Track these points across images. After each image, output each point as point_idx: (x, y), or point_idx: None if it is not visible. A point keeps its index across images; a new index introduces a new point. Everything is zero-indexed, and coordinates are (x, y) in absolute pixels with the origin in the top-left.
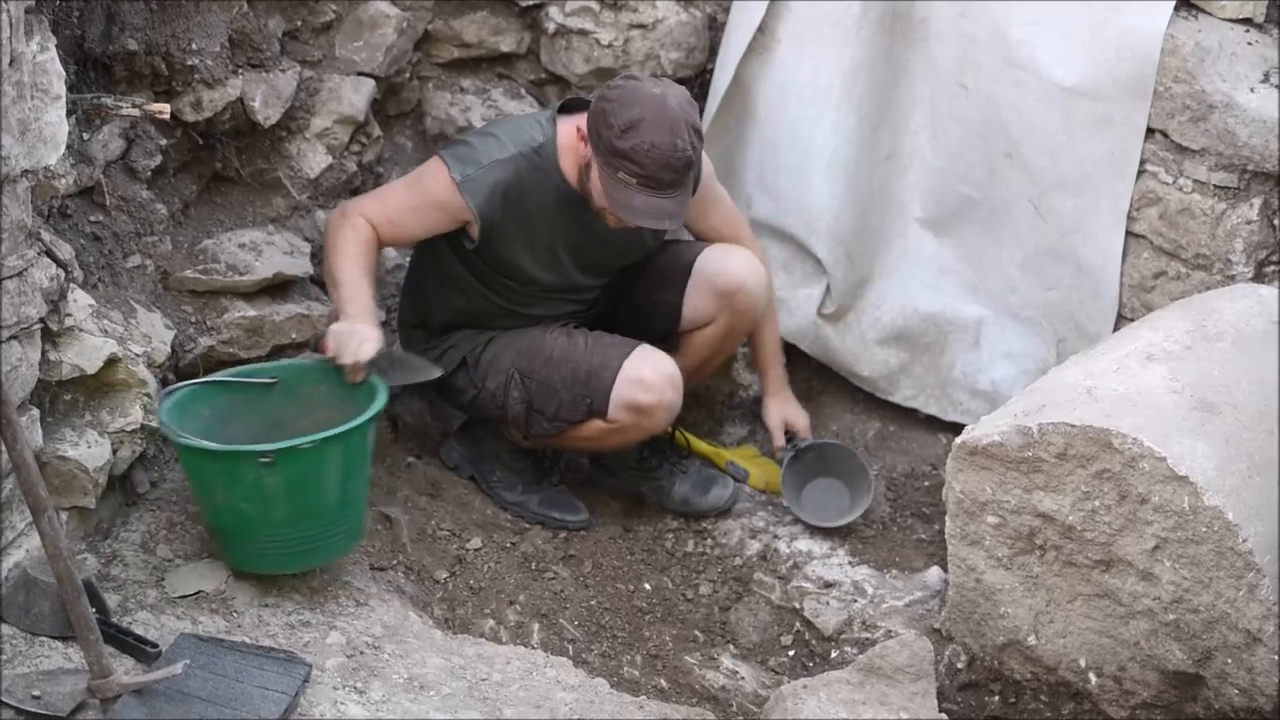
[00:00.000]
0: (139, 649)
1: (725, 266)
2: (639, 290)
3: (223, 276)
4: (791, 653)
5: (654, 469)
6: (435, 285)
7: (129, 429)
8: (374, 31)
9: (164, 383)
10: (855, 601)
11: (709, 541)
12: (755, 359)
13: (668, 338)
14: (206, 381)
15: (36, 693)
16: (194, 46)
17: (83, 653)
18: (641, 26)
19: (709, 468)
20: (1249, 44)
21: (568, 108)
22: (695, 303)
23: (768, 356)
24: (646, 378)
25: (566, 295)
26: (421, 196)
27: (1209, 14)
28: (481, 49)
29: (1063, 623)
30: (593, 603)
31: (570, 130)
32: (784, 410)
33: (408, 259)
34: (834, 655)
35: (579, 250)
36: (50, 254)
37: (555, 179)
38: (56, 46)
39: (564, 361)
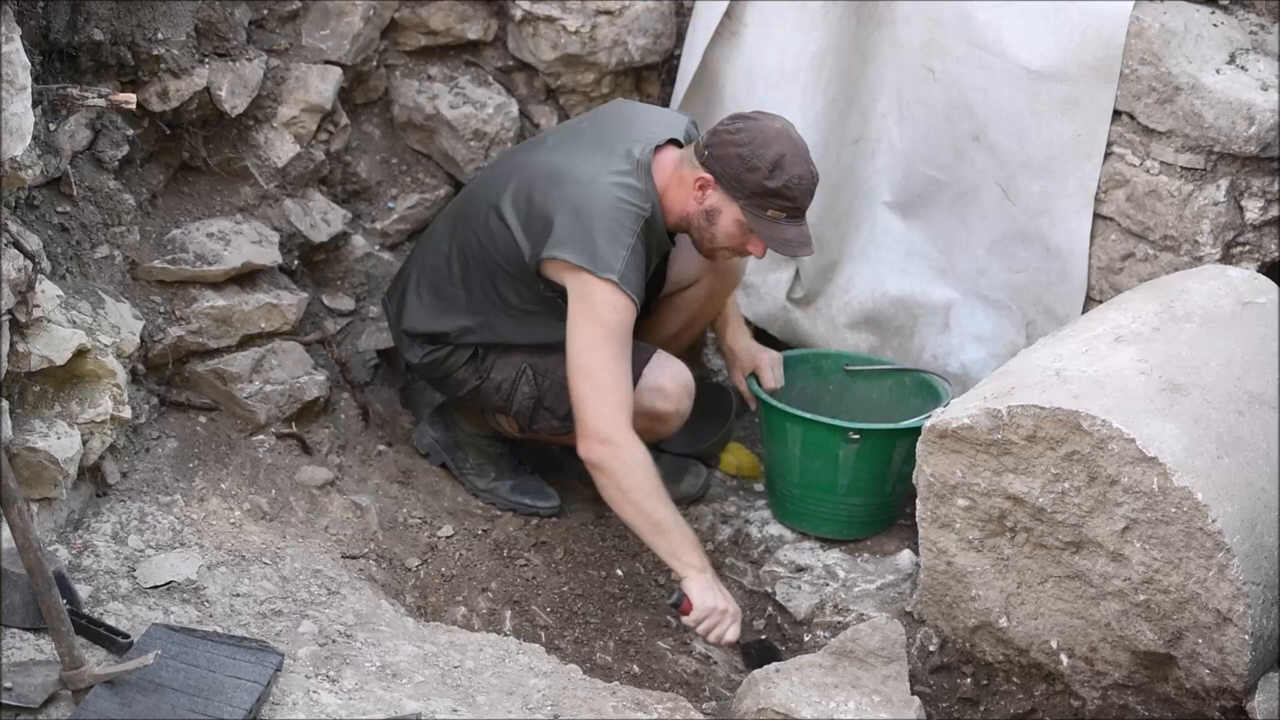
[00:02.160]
0: (110, 640)
1: None
2: None
3: (191, 266)
4: (764, 637)
5: None
6: (502, 315)
7: (99, 420)
8: (340, 20)
9: (133, 374)
10: (827, 585)
11: None
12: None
13: (649, 303)
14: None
15: (8, 684)
16: (160, 36)
17: (54, 644)
18: (609, 13)
19: (683, 457)
20: (1214, 25)
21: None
22: (680, 266)
23: (727, 311)
24: (666, 386)
25: None
26: (621, 331)
27: None
28: (449, 36)
29: (1034, 604)
30: (565, 589)
31: (669, 179)
32: (746, 341)
33: (377, 247)
34: (806, 639)
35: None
36: (18, 245)
37: (661, 231)
38: (21, 37)
39: None
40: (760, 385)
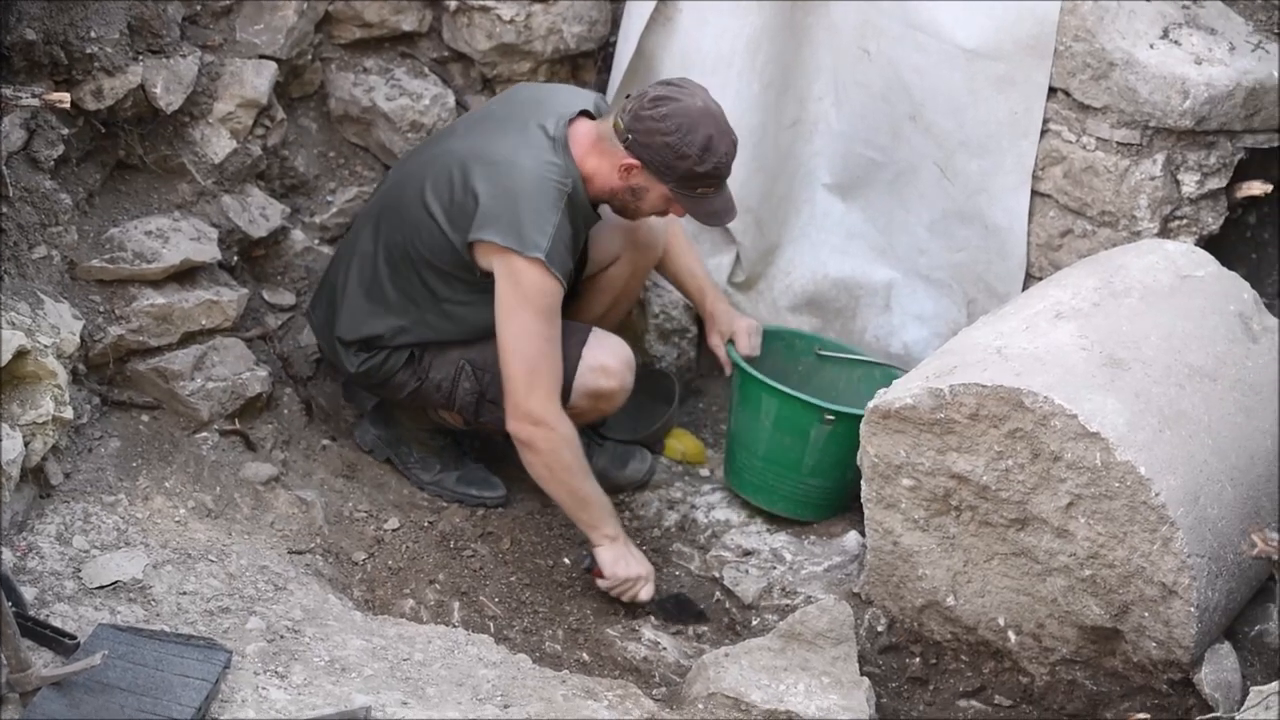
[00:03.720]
0: (57, 641)
1: None
2: None
3: (130, 265)
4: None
5: None
6: (434, 310)
7: (40, 421)
8: (274, 14)
9: (74, 374)
10: (774, 569)
11: (627, 514)
12: (688, 287)
13: (574, 285)
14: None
15: None
16: (93, 34)
17: (0, 647)
18: (543, 1)
19: (627, 444)
20: (1147, 1)
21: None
22: (600, 243)
23: (702, 280)
24: (609, 364)
25: None
26: (549, 311)
27: None
28: (383, 28)
29: (980, 582)
30: (512, 579)
31: (587, 151)
32: (725, 307)
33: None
34: (755, 623)
35: None
36: None
37: (585, 205)
38: None
39: None
40: (737, 351)
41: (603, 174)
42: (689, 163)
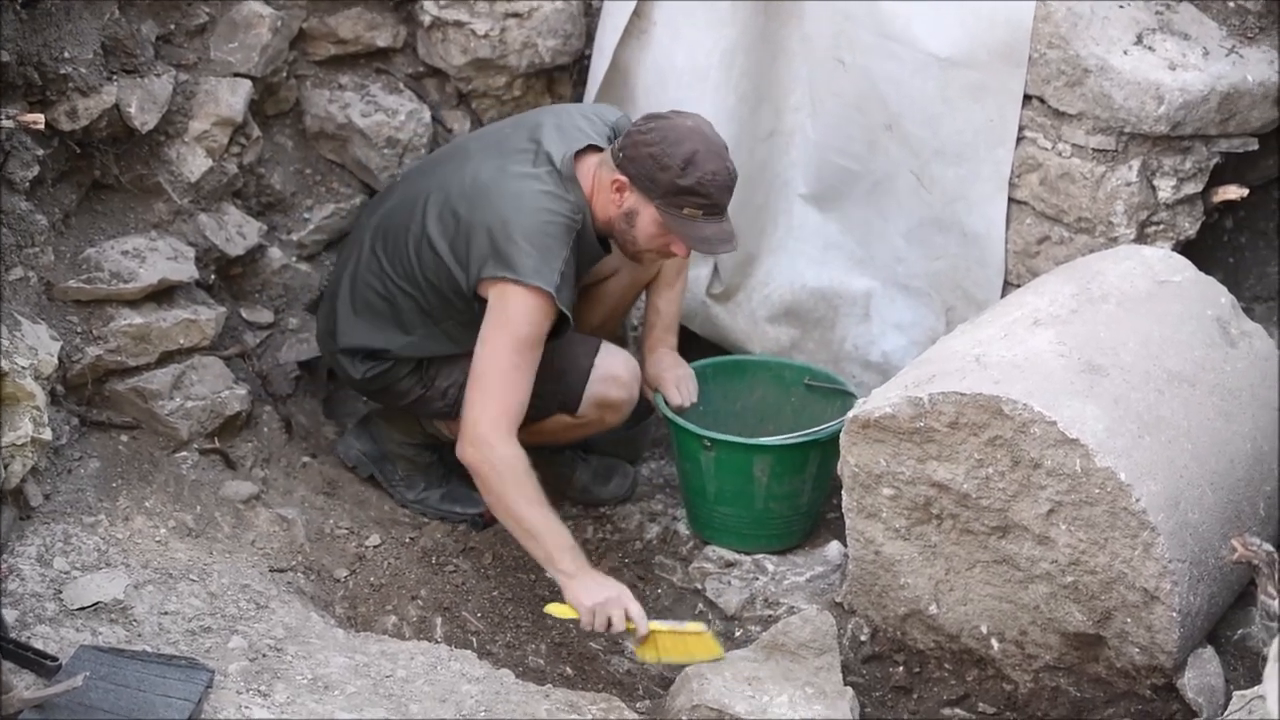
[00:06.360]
0: (38, 663)
1: None
2: None
3: (107, 285)
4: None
5: (555, 454)
6: (437, 331)
7: (19, 443)
8: (248, 32)
9: (52, 395)
10: (756, 580)
11: (609, 527)
12: (646, 316)
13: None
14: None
15: None
16: (66, 55)
17: None
18: (517, 15)
19: (609, 458)
20: (1120, 7)
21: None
22: None
23: (656, 317)
24: (620, 374)
25: None
26: (529, 340)
27: None
28: (358, 45)
29: (963, 590)
30: (495, 594)
31: (593, 185)
32: (656, 357)
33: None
34: (738, 634)
35: None
36: None
37: (592, 240)
38: None
39: None
40: (668, 404)
41: (601, 202)
42: (671, 174)
